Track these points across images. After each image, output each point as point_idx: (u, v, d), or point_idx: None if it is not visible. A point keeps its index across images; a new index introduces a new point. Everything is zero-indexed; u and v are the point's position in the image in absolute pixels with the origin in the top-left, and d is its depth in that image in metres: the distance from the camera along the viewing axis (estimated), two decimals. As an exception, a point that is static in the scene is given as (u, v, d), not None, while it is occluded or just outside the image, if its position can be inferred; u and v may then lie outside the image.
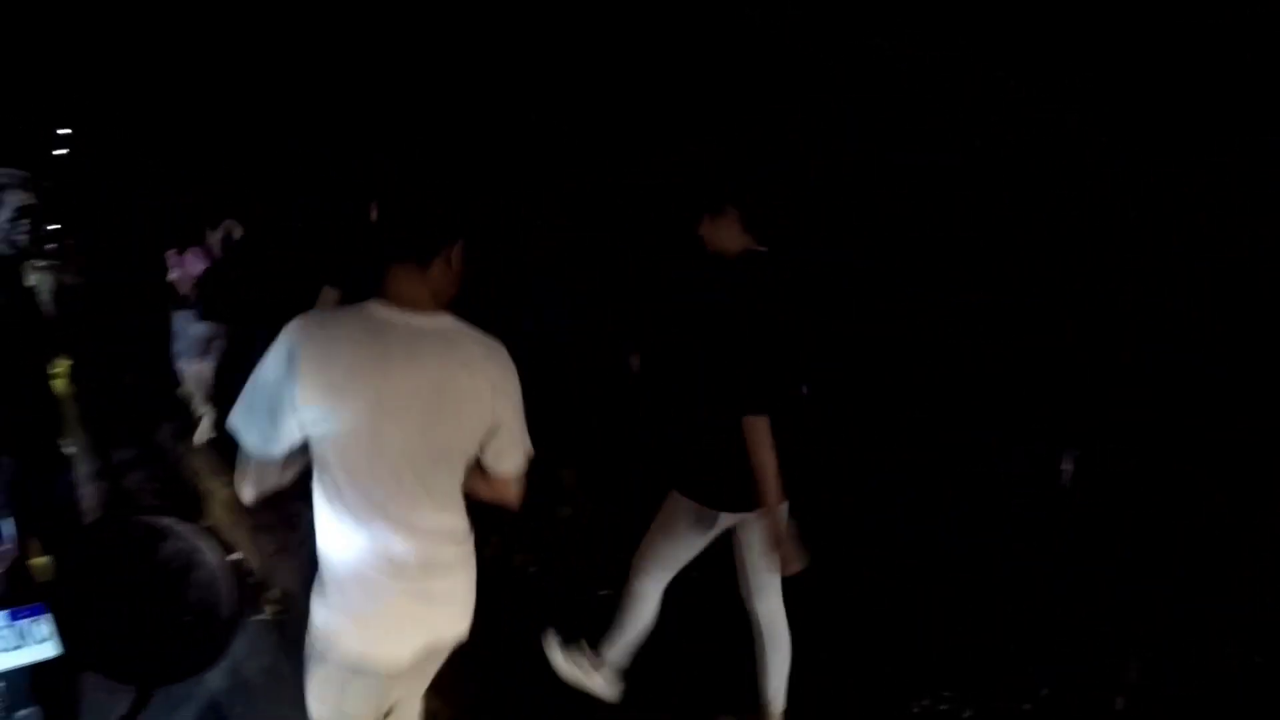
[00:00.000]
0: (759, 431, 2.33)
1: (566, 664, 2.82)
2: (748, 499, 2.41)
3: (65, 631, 0.72)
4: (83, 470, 3.23)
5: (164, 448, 6.10)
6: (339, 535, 1.57)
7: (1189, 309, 3.48)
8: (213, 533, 0.83)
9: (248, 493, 1.65)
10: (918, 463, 4.00)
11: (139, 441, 6.16)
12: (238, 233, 5.61)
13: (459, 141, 8.95)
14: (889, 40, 4.79)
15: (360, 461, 1.52)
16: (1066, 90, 4.05)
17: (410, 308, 1.56)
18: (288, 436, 1.52)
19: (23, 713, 2.25)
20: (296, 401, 1.47)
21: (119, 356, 6.76)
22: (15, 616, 2.20)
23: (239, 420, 1.56)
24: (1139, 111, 3.77)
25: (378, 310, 1.54)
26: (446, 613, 1.69)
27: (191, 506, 4.78)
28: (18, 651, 2.18)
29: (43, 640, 2.20)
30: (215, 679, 3.04)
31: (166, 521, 0.83)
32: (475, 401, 1.59)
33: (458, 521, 1.68)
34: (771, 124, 5.59)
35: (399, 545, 1.56)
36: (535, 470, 1.79)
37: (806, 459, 4.27)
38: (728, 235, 2.50)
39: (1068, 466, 3.43)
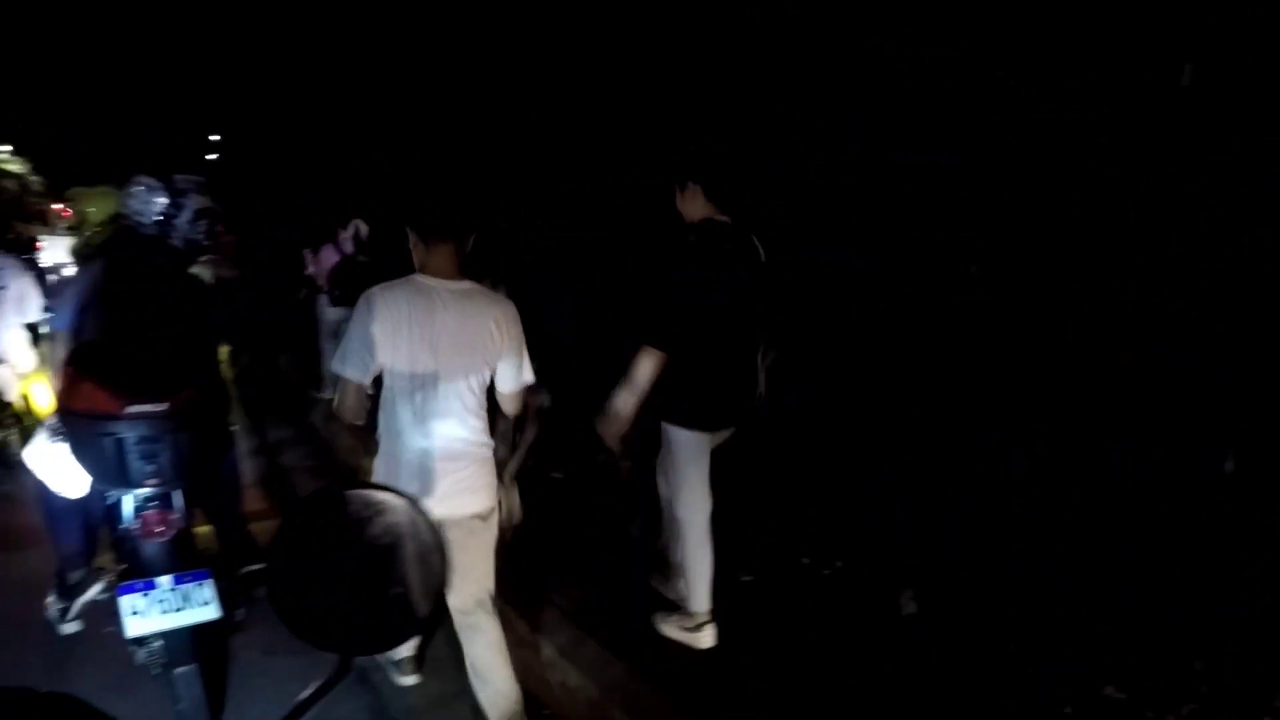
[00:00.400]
0: (646, 359, 2.75)
1: (673, 628, 3.07)
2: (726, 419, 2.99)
3: (276, 597, 0.87)
4: (242, 448, 3.34)
5: (315, 427, 6.53)
6: (398, 435, 2.34)
7: (1189, 309, 3.49)
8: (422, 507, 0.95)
9: (349, 411, 2.37)
10: (917, 463, 4.00)
11: (293, 421, 6.77)
12: (364, 230, 6.54)
13: (473, 143, 9.11)
14: (889, 40, 4.80)
15: (414, 382, 2.29)
16: (1066, 90, 4.05)
17: (446, 277, 2.35)
18: (375, 367, 2.28)
19: (182, 669, 2.42)
20: (377, 340, 2.25)
21: (273, 342, 8.07)
22: (180, 580, 2.42)
23: (347, 360, 2.29)
24: (1139, 111, 3.77)
25: (423, 280, 2.34)
26: (470, 493, 2.40)
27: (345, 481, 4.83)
28: (180, 613, 2.39)
29: (204, 604, 2.42)
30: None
31: (383, 495, 0.92)
32: (489, 339, 2.36)
33: (479, 427, 2.41)
34: (772, 124, 5.58)
35: (436, 442, 2.33)
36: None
37: (808, 458, 4.27)
38: (694, 206, 2.94)
39: (1230, 465, 3.36)
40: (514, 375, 2.47)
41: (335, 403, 2.45)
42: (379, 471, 2.43)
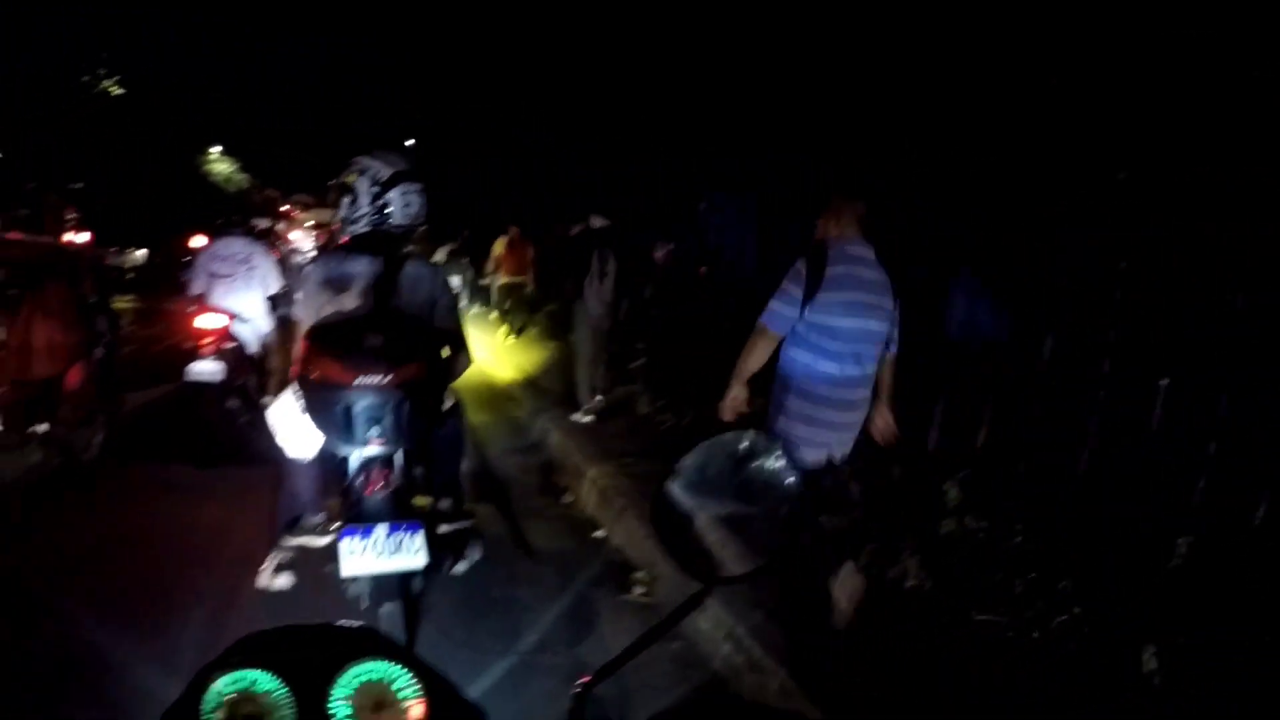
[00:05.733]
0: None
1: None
2: None
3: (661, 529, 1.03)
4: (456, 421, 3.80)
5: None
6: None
7: None
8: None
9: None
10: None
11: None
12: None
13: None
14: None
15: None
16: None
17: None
18: None
19: (388, 607, 2.76)
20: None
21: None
22: (394, 530, 2.70)
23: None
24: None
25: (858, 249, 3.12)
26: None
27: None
28: (392, 558, 2.67)
29: (414, 552, 2.69)
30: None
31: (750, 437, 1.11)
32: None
33: None
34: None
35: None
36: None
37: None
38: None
39: None
40: None
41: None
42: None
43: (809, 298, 3.02)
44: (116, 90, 23.26)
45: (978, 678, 2.92)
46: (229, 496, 4.55)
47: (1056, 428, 4.29)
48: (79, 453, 5.08)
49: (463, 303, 12.34)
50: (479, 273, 12.47)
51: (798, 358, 3.11)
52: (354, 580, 2.81)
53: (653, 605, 3.65)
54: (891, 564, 3.62)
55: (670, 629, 0.98)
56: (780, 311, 3.08)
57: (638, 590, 3.77)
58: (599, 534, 4.60)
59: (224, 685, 0.80)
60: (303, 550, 3.55)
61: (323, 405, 2.74)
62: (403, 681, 0.81)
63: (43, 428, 4.93)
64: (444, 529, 3.17)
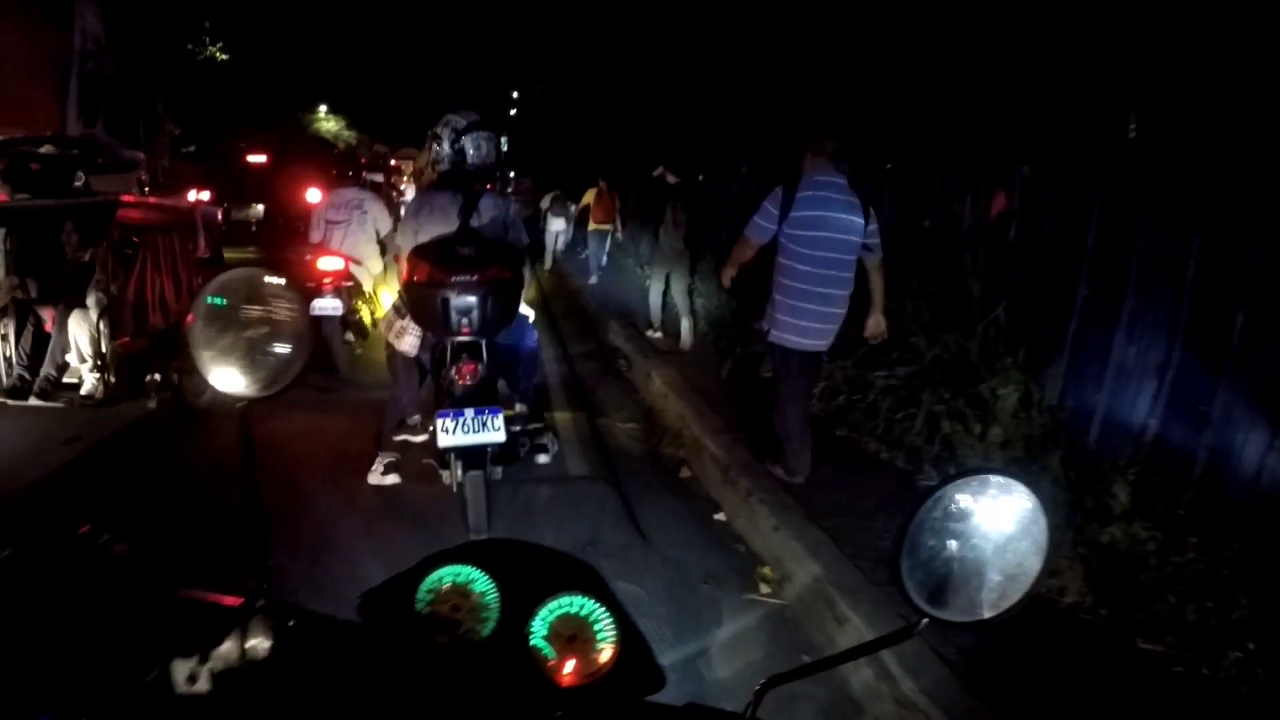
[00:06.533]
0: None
1: None
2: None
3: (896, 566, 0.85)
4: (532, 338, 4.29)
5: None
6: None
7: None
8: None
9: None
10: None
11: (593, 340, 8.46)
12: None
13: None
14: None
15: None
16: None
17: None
18: None
19: (473, 474, 3.40)
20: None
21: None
22: (479, 413, 3.40)
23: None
24: None
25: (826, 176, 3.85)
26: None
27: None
28: (478, 435, 3.37)
29: (495, 430, 3.39)
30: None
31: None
32: None
33: None
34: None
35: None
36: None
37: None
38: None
39: None
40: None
41: None
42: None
43: (784, 215, 3.87)
44: (221, 56, 24.57)
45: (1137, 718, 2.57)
46: (346, 412, 5.22)
47: (1237, 420, 3.39)
48: (192, 399, 5.22)
49: (565, 240, 13.88)
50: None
51: (782, 262, 3.94)
52: (447, 457, 3.46)
53: (780, 611, 3.25)
54: (1050, 575, 3.03)
55: (870, 653, 0.91)
56: (759, 223, 3.97)
57: (764, 588, 3.43)
58: (719, 517, 4.17)
59: (445, 575, 0.87)
60: (405, 444, 4.40)
61: (425, 303, 3.50)
62: (603, 623, 0.84)
63: (150, 378, 5.17)
64: (520, 428, 3.84)
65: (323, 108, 34.84)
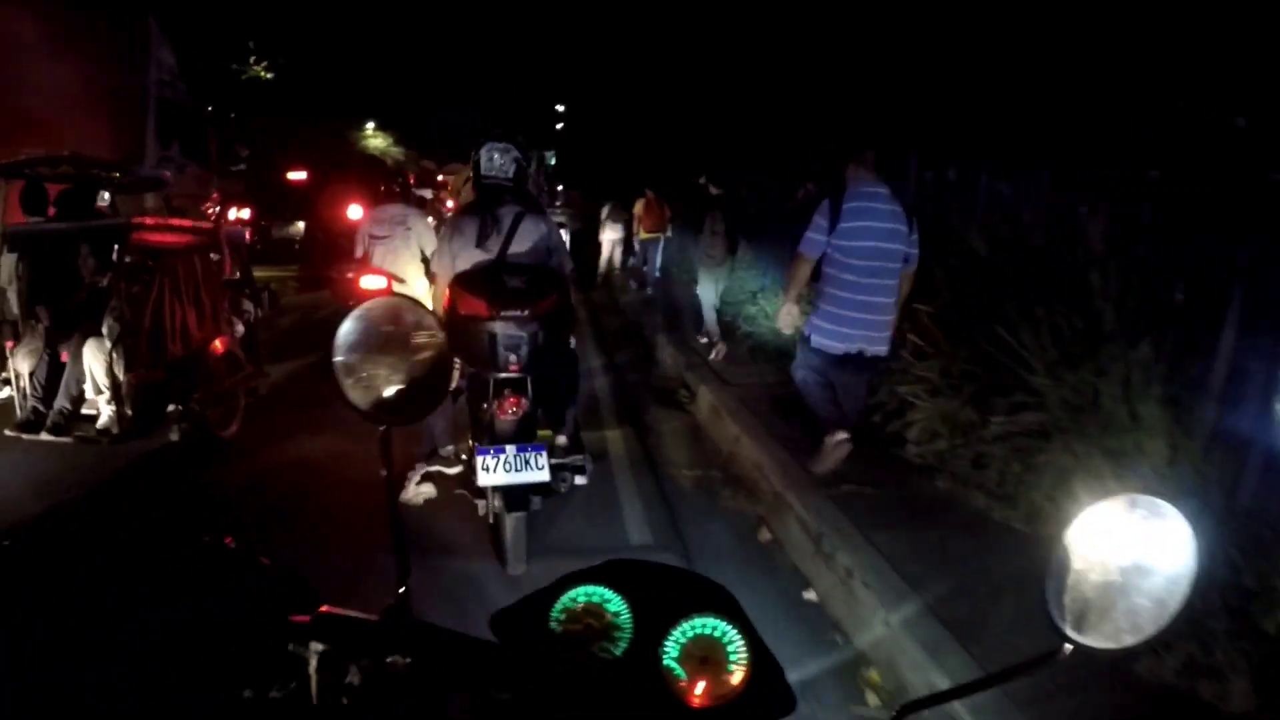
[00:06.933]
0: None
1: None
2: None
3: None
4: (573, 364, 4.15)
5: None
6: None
7: None
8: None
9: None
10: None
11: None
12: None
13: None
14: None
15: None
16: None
17: None
18: None
19: (514, 515, 3.21)
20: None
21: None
22: (521, 450, 3.17)
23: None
24: None
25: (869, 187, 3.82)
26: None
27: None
28: (519, 474, 3.14)
29: (539, 469, 3.17)
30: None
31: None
32: None
33: None
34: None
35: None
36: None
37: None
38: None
39: None
40: None
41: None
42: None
43: (833, 227, 3.96)
44: (266, 75, 24.80)
45: None
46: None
47: None
48: (217, 429, 5.10)
49: (619, 250, 14.13)
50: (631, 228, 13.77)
51: (829, 271, 4.08)
52: (485, 495, 3.30)
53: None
54: (1209, 676, 2.61)
55: (1009, 680, 0.81)
56: (812, 239, 4.06)
57: (872, 701, 2.85)
58: (809, 596, 3.56)
59: (580, 594, 0.88)
60: (439, 476, 4.18)
61: (470, 338, 3.18)
62: (735, 645, 0.83)
63: (173, 408, 4.81)
64: (560, 460, 3.57)
65: (370, 124, 35.14)
